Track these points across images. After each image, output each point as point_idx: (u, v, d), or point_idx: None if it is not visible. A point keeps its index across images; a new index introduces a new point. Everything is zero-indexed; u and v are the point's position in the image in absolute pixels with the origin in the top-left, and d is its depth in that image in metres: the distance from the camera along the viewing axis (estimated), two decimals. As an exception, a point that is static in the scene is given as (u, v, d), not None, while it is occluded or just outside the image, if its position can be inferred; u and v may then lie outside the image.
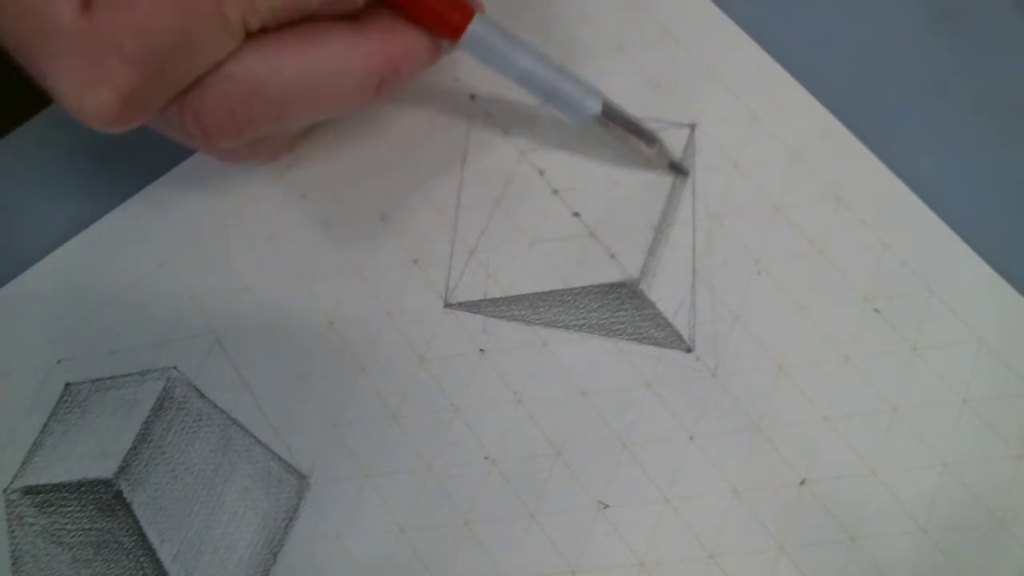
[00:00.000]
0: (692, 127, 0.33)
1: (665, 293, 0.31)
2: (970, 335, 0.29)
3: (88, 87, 0.25)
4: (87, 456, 0.30)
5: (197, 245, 0.33)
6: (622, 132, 0.31)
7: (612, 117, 0.30)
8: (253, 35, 0.26)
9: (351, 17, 0.27)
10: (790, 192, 0.32)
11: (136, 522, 0.29)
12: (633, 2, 0.35)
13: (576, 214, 0.32)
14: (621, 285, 0.31)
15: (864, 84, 0.33)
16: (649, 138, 0.31)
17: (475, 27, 0.27)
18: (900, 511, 0.28)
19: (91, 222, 0.33)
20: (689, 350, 0.30)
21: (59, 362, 0.31)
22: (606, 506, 0.29)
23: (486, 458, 0.29)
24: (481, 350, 0.31)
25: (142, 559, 0.29)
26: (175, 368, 0.31)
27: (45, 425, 0.30)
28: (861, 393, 0.29)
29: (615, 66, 0.34)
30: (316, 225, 0.33)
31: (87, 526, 0.29)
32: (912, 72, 0.33)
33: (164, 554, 0.29)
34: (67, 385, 0.31)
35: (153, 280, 0.32)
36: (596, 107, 0.30)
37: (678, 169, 0.32)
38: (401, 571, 0.28)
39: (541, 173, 0.33)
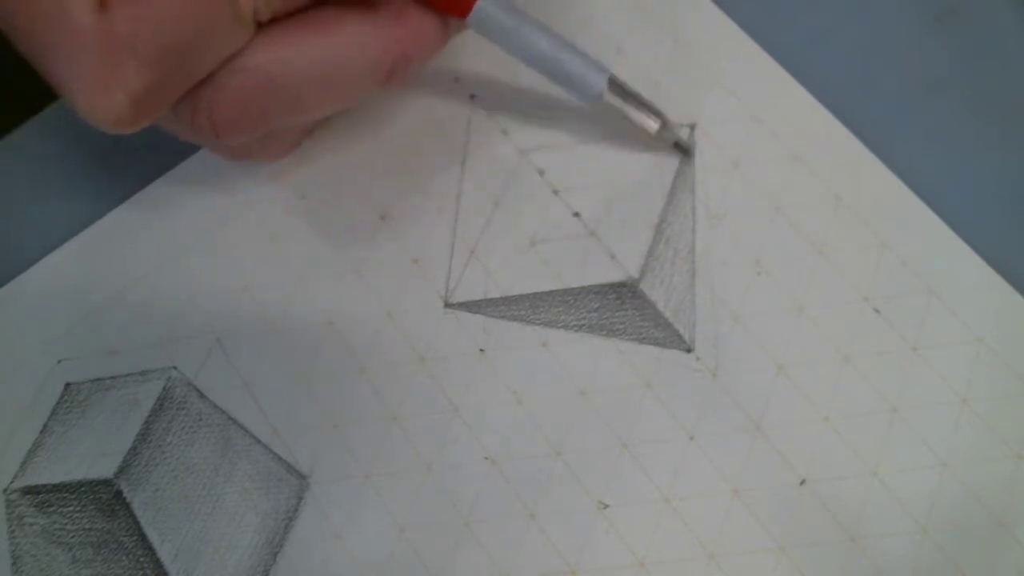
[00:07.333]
0: (692, 127, 0.33)
1: (665, 293, 0.31)
2: (970, 335, 0.29)
3: (101, 91, 0.24)
4: (87, 456, 0.30)
5: (197, 245, 0.33)
6: (629, 109, 0.30)
7: (618, 93, 0.30)
8: (263, 26, 0.26)
9: (361, 1, 0.27)
10: (790, 192, 0.32)
11: (136, 522, 0.29)
12: (633, 3, 0.35)
13: (576, 214, 0.32)
14: (621, 285, 0.31)
15: (864, 84, 0.33)
16: (655, 115, 0.31)
17: (483, 3, 0.27)
18: (900, 511, 0.28)
19: (91, 222, 0.33)
20: (689, 350, 0.30)
21: (59, 362, 0.31)
22: (606, 506, 0.29)
23: (486, 458, 0.29)
24: (481, 350, 0.31)
25: (142, 559, 0.29)
26: (175, 368, 0.31)
27: (45, 425, 0.30)
28: (861, 393, 0.29)
29: (615, 66, 0.34)
30: (316, 225, 0.33)
31: (87, 526, 0.29)
32: (912, 72, 0.33)
33: (164, 554, 0.29)
34: (67, 385, 0.31)
35: (153, 280, 0.32)
36: (602, 82, 0.29)
37: (682, 149, 0.32)
38: (401, 571, 0.28)
39: (541, 173, 0.33)
